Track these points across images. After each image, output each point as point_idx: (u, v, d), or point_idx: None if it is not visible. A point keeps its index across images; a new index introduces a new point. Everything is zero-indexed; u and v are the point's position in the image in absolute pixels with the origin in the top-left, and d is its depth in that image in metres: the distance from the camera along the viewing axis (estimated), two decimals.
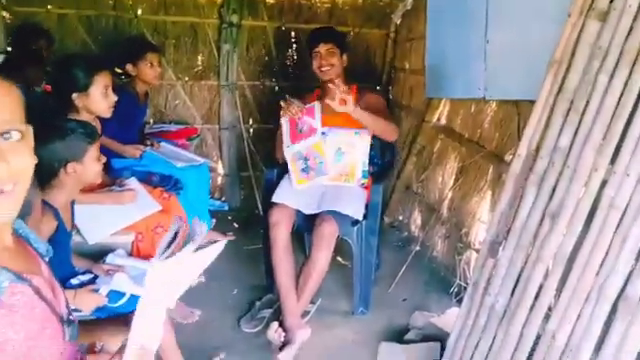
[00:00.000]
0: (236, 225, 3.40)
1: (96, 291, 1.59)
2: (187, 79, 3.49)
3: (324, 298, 2.57)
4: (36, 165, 1.25)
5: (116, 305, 1.60)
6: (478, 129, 2.56)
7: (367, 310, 2.50)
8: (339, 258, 2.85)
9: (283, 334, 2.09)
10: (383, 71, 3.78)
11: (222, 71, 3.46)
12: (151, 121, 3.40)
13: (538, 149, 1.48)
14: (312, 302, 2.49)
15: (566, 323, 1.27)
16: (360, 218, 2.34)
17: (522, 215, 1.48)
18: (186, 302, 2.36)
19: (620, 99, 1.24)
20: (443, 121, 2.90)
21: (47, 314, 0.75)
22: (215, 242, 0.99)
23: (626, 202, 1.17)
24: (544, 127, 1.47)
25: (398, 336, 2.30)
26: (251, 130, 3.68)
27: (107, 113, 1.97)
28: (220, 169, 3.66)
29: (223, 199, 3.67)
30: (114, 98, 1.97)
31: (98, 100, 1.91)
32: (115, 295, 1.61)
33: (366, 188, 2.54)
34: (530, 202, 1.46)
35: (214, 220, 2.85)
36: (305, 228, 2.42)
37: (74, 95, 1.88)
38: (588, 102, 1.33)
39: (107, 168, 2.31)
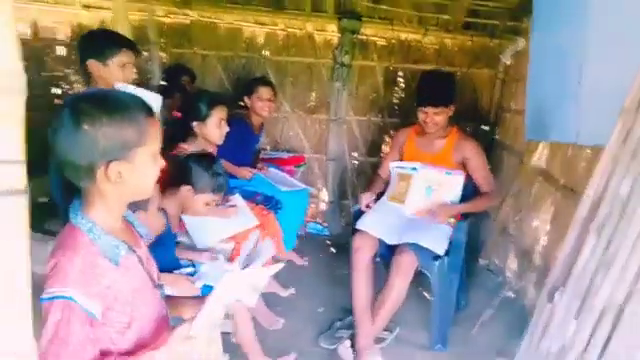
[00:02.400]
0: (333, 250, 3.62)
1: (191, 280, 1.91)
2: (301, 113, 3.86)
3: (405, 329, 2.65)
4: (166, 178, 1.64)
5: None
6: (574, 174, 2.48)
7: (445, 347, 2.52)
8: (425, 293, 2.90)
9: (352, 354, 2.23)
10: (490, 111, 3.78)
11: (332, 106, 3.77)
12: (267, 148, 3.83)
13: (603, 196, 1.47)
14: (390, 331, 2.60)
15: None
16: (441, 253, 2.39)
17: (581, 262, 1.48)
18: (274, 310, 2.62)
19: None
20: (542, 164, 2.84)
21: (145, 278, 1.05)
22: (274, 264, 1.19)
23: None
24: (609, 174, 1.46)
25: None
26: (355, 162, 3.92)
27: (219, 141, 2.36)
28: (324, 196, 3.95)
29: (325, 224, 3.93)
30: (226, 129, 2.34)
31: (213, 130, 2.30)
32: (206, 288, 1.92)
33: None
34: (589, 249, 1.46)
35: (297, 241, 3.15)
36: (387, 257, 2.55)
37: (194, 123, 2.30)
38: None
39: None
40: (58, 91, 3.77)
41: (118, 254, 0.99)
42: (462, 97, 3.80)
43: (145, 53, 3.67)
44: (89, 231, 0.97)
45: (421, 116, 2.61)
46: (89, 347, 0.91)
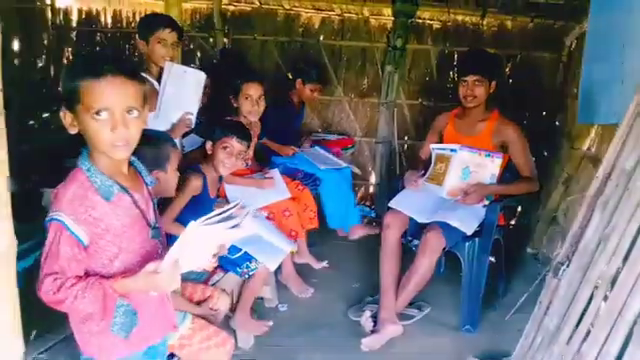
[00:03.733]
0: (378, 231, 3.66)
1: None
2: (353, 96, 3.93)
3: (436, 309, 2.66)
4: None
5: (234, 257, 2.06)
6: None
7: (474, 329, 2.50)
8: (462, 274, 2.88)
9: (372, 323, 2.30)
10: (551, 96, 3.61)
11: (383, 90, 3.81)
12: (319, 130, 3.95)
13: (611, 173, 1.43)
14: (420, 309, 2.63)
15: (595, 346, 1.22)
16: (469, 233, 2.37)
17: (586, 237, 1.44)
18: (307, 280, 2.75)
19: None
20: (592, 150, 2.69)
21: (138, 217, 1.22)
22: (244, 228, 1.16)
23: None
24: (619, 151, 1.41)
25: (495, 359, 2.27)
26: (405, 145, 3.93)
27: (252, 116, 2.51)
28: (372, 179, 4.00)
29: (372, 207, 3.99)
30: (262, 105, 2.49)
31: (244, 105, 2.46)
32: (233, 249, 2.07)
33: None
34: (594, 225, 1.42)
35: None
36: (417, 236, 2.57)
37: (232, 98, 2.48)
38: None
39: (266, 161, 2.91)
40: None
41: (111, 192, 1.15)
42: (522, 81, 3.68)
43: (210, 39, 3.96)
44: (87, 170, 1.15)
45: (461, 90, 2.60)
46: (74, 265, 1.09)
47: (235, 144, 2.11)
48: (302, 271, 2.83)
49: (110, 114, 1.10)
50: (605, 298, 1.26)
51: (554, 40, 3.54)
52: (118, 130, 1.11)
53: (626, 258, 1.21)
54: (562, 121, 3.45)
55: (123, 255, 1.19)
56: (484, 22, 3.66)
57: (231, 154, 2.10)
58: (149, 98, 2.13)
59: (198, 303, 1.64)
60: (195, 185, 2.01)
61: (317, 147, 3.32)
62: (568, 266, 1.49)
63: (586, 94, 2.62)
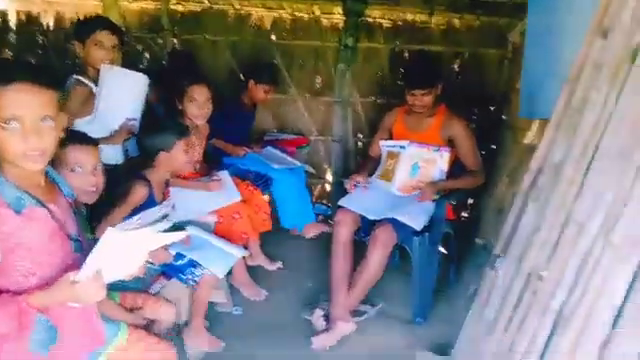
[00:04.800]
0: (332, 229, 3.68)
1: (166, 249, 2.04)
2: (307, 95, 3.92)
3: (387, 303, 2.69)
4: (142, 150, 1.78)
5: (178, 263, 2.02)
6: None
7: (424, 320, 2.55)
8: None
9: (324, 322, 2.31)
10: (497, 91, 3.70)
11: (337, 88, 3.82)
12: (274, 130, 3.92)
13: (542, 166, 1.47)
14: (373, 305, 2.65)
15: (525, 336, 1.26)
16: (418, 228, 2.41)
17: (520, 229, 1.49)
18: (259, 283, 2.73)
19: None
20: (535, 143, 2.78)
21: (56, 230, 1.16)
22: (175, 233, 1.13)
23: (584, 218, 1.14)
24: (550, 144, 1.46)
25: (444, 349, 2.31)
26: (359, 143, 3.96)
27: (198, 120, 2.46)
28: (328, 177, 4.01)
29: (329, 205, 4.00)
30: (208, 108, 2.45)
31: (189, 108, 2.42)
32: (178, 256, 2.04)
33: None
34: (528, 217, 1.46)
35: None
36: (368, 233, 2.59)
37: (177, 100, 2.43)
38: (581, 119, 1.31)
39: (217, 163, 2.86)
40: None
41: (22, 205, 1.10)
42: (469, 77, 3.76)
43: (160, 40, 3.87)
44: None
45: (409, 98, 2.64)
46: None
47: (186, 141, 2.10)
48: (256, 273, 2.81)
49: (21, 123, 1.05)
50: (533, 292, 1.30)
51: (499, 37, 3.62)
52: (30, 139, 1.06)
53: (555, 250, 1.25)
54: (508, 115, 3.55)
55: (41, 271, 1.13)
56: (433, 20, 3.72)
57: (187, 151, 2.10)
58: (86, 102, 2.08)
59: (132, 311, 1.59)
60: (140, 194, 1.97)
61: (269, 147, 3.30)
62: (504, 257, 1.53)
63: (526, 89, 2.71)
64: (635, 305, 0.89)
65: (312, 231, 3.28)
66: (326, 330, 2.30)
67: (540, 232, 1.34)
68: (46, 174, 1.22)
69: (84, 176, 1.55)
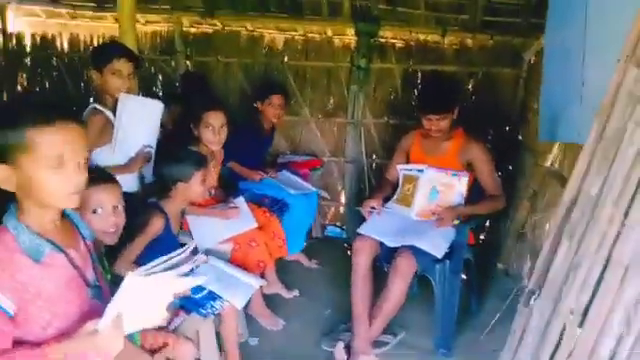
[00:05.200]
0: (349, 253, 3.61)
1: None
2: (319, 116, 3.90)
3: (409, 333, 2.62)
4: (158, 180, 1.74)
5: (197, 296, 1.97)
6: None
7: (449, 352, 2.47)
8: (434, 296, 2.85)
9: (346, 355, 2.24)
10: (513, 112, 3.66)
11: (349, 109, 3.79)
12: (288, 152, 3.89)
13: (576, 199, 1.42)
14: (394, 334, 2.58)
15: None
16: (439, 256, 2.35)
17: (555, 266, 1.42)
18: (276, 312, 2.66)
19: None
20: (556, 166, 2.72)
21: (75, 277, 1.11)
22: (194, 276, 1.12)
23: (629, 257, 1.09)
24: (584, 175, 1.40)
25: None
26: (373, 164, 3.91)
27: (214, 146, 2.43)
28: (342, 199, 3.96)
29: (343, 227, 3.94)
30: (224, 133, 2.42)
31: (204, 134, 2.39)
32: (197, 289, 1.98)
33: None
34: (562, 253, 1.40)
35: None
36: (388, 259, 2.53)
37: (192, 126, 2.40)
38: (617, 152, 1.26)
39: (233, 187, 2.82)
40: None
41: (41, 252, 1.05)
42: (484, 97, 3.72)
43: (172, 62, 3.87)
44: (14, 229, 1.04)
45: (425, 123, 2.59)
46: None
47: (204, 172, 2.06)
48: (273, 301, 2.75)
49: (66, 163, 1.02)
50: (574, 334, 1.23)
51: (513, 56, 3.59)
52: (76, 180, 1.03)
53: (596, 290, 1.19)
54: (525, 136, 3.50)
55: (57, 322, 1.07)
56: (445, 40, 3.70)
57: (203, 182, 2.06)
58: (103, 131, 2.05)
59: (154, 352, 1.53)
60: (157, 226, 1.92)
61: (284, 171, 3.26)
62: (539, 295, 1.47)
63: (546, 112, 2.66)
64: None
65: (295, 259, 3.21)
66: None
67: (578, 271, 1.28)
68: (66, 216, 1.18)
69: (105, 217, 1.51)
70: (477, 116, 3.48)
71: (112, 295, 1.04)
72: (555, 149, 2.74)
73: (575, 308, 1.25)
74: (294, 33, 3.88)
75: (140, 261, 1.84)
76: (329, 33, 3.85)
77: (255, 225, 2.46)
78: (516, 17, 3.50)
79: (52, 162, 1.01)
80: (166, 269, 1.06)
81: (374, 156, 3.91)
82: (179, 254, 1.12)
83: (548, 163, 2.80)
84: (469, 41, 3.69)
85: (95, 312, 1.13)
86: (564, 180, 2.59)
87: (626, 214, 1.14)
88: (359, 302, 2.37)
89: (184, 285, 1.11)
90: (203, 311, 1.87)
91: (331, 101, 3.91)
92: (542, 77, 2.72)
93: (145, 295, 1.04)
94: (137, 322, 1.06)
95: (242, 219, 2.46)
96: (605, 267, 1.18)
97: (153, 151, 2.20)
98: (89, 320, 1.03)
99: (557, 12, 2.53)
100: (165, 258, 1.08)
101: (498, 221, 3.41)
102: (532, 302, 1.47)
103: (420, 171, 2.64)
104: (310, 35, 3.86)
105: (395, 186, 2.78)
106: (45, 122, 1.00)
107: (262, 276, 2.53)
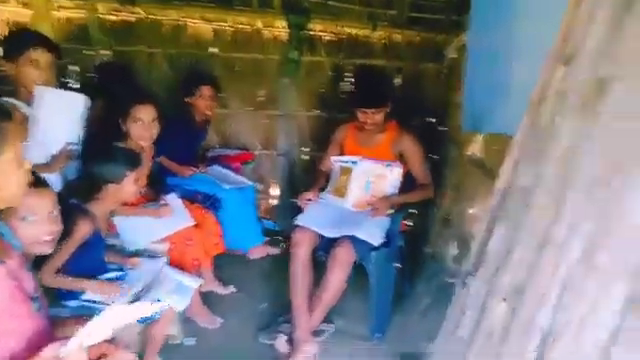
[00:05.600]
0: (284, 246, 3.61)
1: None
2: (250, 109, 3.84)
3: (345, 320, 2.68)
4: (84, 180, 1.61)
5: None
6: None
7: (383, 335, 2.56)
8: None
9: (289, 346, 2.25)
10: (437, 105, 3.83)
11: (280, 102, 3.77)
12: (217, 146, 3.79)
13: (510, 187, 1.51)
14: (331, 322, 2.62)
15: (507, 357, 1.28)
16: (376, 244, 2.43)
17: (491, 249, 1.52)
18: (213, 309, 2.61)
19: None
20: (478, 155, 2.90)
21: (14, 289, 1.01)
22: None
23: (562, 242, 1.18)
24: (516, 165, 1.50)
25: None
26: (305, 157, 3.93)
27: (144, 141, 2.32)
28: (274, 192, 3.94)
29: (276, 220, 3.93)
30: (155, 128, 2.31)
31: (133, 129, 2.26)
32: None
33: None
34: (497, 237, 1.50)
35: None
36: (326, 250, 2.56)
37: (120, 121, 2.26)
38: (546, 144, 1.36)
39: (160, 183, 2.70)
40: None
41: None
42: (409, 91, 3.86)
43: (91, 52, 3.61)
44: None
45: (360, 116, 2.64)
46: None
47: (137, 173, 1.95)
48: (208, 299, 2.69)
49: None
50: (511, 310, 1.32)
51: (436, 52, 3.76)
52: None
53: (531, 270, 1.28)
54: (449, 128, 3.68)
55: (3, 339, 0.98)
56: (375, 35, 3.78)
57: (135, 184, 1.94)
58: (20, 128, 1.87)
59: None
60: (84, 231, 1.81)
61: (215, 166, 3.17)
62: (475, 276, 1.56)
63: (470, 105, 2.82)
64: (625, 330, 0.92)
65: (258, 253, 3.18)
66: (290, 354, 2.24)
67: (514, 253, 1.37)
68: None
69: (39, 225, 1.36)
70: (405, 109, 3.61)
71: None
72: (478, 140, 2.91)
73: (513, 285, 1.34)
74: (223, 24, 3.77)
75: (67, 268, 1.72)
76: (259, 25, 3.79)
77: (191, 223, 2.38)
78: (440, 14, 3.65)
79: (13, 159, 0.97)
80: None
81: (306, 149, 3.93)
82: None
83: (471, 152, 2.97)
84: (397, 36, 3.80)
85: (38, 327, 1.04)
86: (486, 168, 2.77)
87: (558, 203, 1.23)
88: (299, 293, 2.38)
89: (146, 312, 1.06)
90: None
91: (261, 94, 3.86)
92: (464, 72, 2.87)
93: (116, 321, 1.01)
94: (95, 341, 1.01)
95: (177, 217, 2.37)
96: (540, 248, 1.27)
97: (77, 148, 2.05)
98: (34, 336, 0.94)
99: (481, 10, 2.67)
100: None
101: (426, 208, 3.57)
102: (468, 282, 1.56)
103: (354, 163, 2.70)
104: (239, 26, 3.77)
105: (329, 178, 2.83)
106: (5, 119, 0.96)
107: (198, 274, 2.45)
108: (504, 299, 1.38)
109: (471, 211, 2.85)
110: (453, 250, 3.15)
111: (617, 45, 1.15)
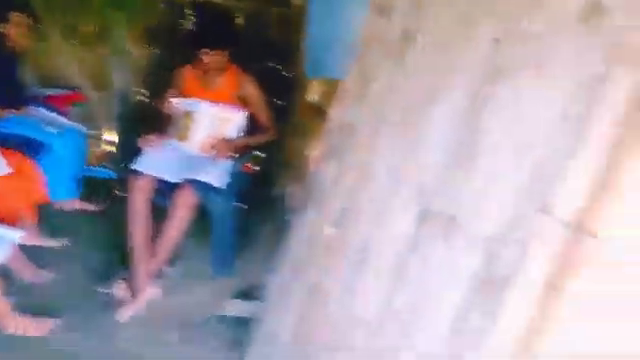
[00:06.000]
0: (118, 193, 3.42)
1: None
2: (75, 43, 3.44)
3: (192, 262, 2.70)
4: None
5: None
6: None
7: (228, 274, 2.65)
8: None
9: (129, 292, 2.21)
10: (283, 49, 3.87)
11: (112, 38, 3.45)
12: (41, 85, 3.35)
13: (339, 125, 1.66)
14: (173, 265, 2.62)
15: (330, 275, 1.46)
16: (220, 186, 2.46)
17: (321, 183, 1.66)
18: (43, 265, 2.41)
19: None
20: (317, 100, 3.06)
21: None
22: None
23: (375, 172, 1.35)
24: (344, 105, 1.64)
25: (253, 294, 2.46)
26: (142, 98, 3.70)
27: None
28: (109, 137, 3.67)
29: (111, 167, 3.68)
30: None
31: None
32: None
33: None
34: (327, 172, 1.64)
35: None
36: (167, 196, 2.52)
37: None
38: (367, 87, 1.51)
39: None
40: None
41: None
42: (255, 35, 3.82)
43: None
44: None
45: (203, 57, 2.56)
46: None
47: None
48: (36, 254, 2.46)
49: None
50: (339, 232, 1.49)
51: None
52: None
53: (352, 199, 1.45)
54: (296, 74, 3.77)
55: None
56: None
57: None
58: None
59: None
60: None
61: (40, 108, 2.82)
62: (308, 208, 1.70)
63: (311, 51, 2.92)
64: (418, 237, 1.11)
65: (74, 206, 2.93)
66: (131, 300, 2.20)
67: (338, 185, 1.53)
68: None
69: None
70: (249, 53, 3.59)
71: None
72: (317, 85, 3.06)
73: (337, 212, 1.51)
74: None
75: None
76: None
77: (7, 171, 2.12)
78: None
79: None
80: None
81: (142, 90, 3.69)
82: None
83: (311, 98, 3.11)
84: None
85: None
86: (323, 112, 2.94)
87: (374, 137, 1.40)
88: (138, 238, 2.32)
89: None
90: None
91: (91, 28, 3.47)
92: (306, 18, 2.95)
93: None
94: None
95: None
96: (359, 178, 1.44)
97: None
98: None
99: None
100: None
101: (271, 152, 3.67)
102: (302, 213, 1.70)
103: (196, 105, 2.65)
104: None
105: (170, 121, 2.73)
106: None
107: (20, 227, 2.21)
108: (333, 225, 1.54)
109: (311, 153, 3.02)
110: (296, 190, 3.34)
111: (418, 4, 1.32)
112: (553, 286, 0.76)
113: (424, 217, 1.09)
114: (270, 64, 3.92)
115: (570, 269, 0.74)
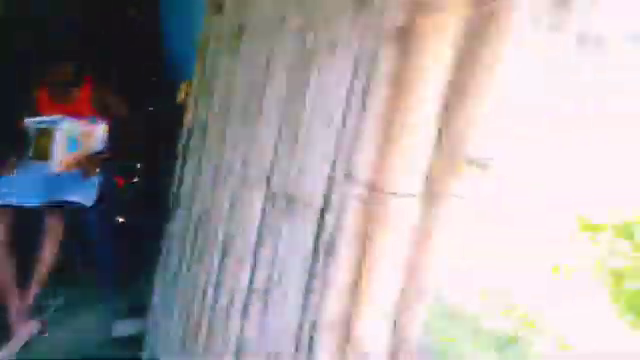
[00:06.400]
0: None
1: None
2: None
3: (73, 288, 2.56)
4: None
5: None
6: None
7: (112, 293, 2.54)
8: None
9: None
10: (147, 55, 3.76)
11: None
12: None
13: (194, 123, 1.68)
14: (55, 295, 2.47)
15: (202, 269, 1.49)
16: (90, 204, 2.35)
17: (184, 183, 1.68)
18: None
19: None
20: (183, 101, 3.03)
21: None
22: None
23: (229, 164, 1.40)
24: (196, 104, 1.67)
25: (140, 312, 2.39)
26: None
27: None
28: None
29: None
30: None
31: None
32: None
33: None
34: (188, 171, 1.67)
35: None
36: (34, 221, 2.36)
37: None
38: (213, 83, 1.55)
39: None
40: None
41: None
42: (116, 42, 3.66)
43: None
44: None
45: (49, 72, 2.44)
46: None
47: None
48: None
49: None
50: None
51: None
52: None
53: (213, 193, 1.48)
54: (163, 79, 3.68)
55: None
56: None
57: None
58: None
59: None
60: None
61: None
62: (179, 207, 1.71)
63: (169, 55, 2.89)
64: (266, 216, 1.17)
65: None
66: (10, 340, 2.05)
67: (200, 182, 1.56)
68: None
69: None
70: (107, 61, 3.43)
71: None
72: (181, 88, 3.02)
73: (202, 208, 1.54)
74: None
75: None
76: None
77: None
78: None
79: None
80: None
81: None
82: None
83: (178, 100, 3.07)
84: None
85: None
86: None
87: (223, 129, 1.44)
88: (4, 274, 2.16)
89: None
90: None
91: None
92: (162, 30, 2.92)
93: None
94: None
95: None
96: (216, 169, 1.47)
97: None
98: None
99: None
100: None
101: (147, 163, 3.57)
102: (172, 217, 1.71)
103: (54, 122, 2.50)
104: None
105: (29, 142, 2.55)
106: None
107: None
108: (198, 217, 1.57)
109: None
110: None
111: (245, 1, 1.38)
112: (370, 239, 0.86)
113: (270, 198, 1.16)
114: (136, 70, 3.81)
115: (376, 224, 0.84)
